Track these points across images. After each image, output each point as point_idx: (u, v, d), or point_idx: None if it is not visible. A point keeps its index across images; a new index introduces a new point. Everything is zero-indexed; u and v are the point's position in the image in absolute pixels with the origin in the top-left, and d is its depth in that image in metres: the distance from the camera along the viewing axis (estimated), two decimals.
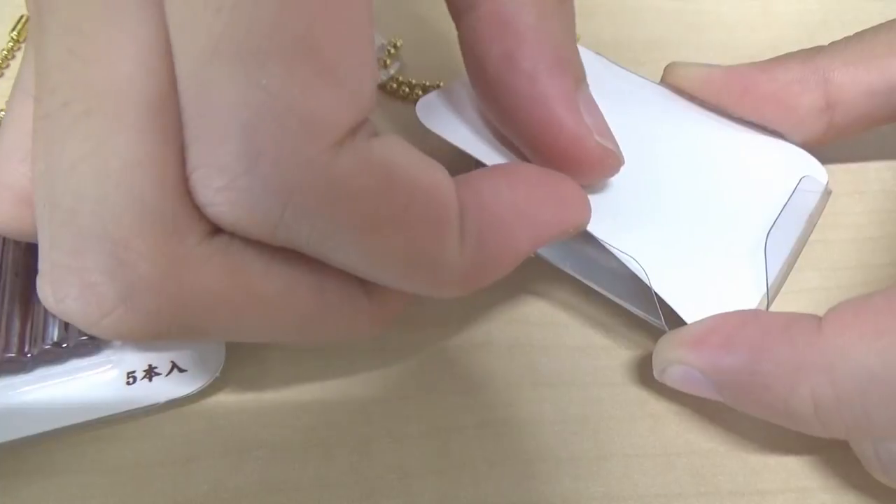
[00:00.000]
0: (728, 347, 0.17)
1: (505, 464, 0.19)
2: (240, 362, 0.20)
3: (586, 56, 0.25)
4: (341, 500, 0.18)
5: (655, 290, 0.19)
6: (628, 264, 0.19)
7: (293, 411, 0.20)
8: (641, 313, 0.20)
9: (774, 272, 0.20)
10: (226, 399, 0.20)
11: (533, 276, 0.22)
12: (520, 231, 0.17)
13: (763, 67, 0.22)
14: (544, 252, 0.21)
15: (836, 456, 0.19)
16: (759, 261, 0.20)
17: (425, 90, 0.27)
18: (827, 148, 0.24)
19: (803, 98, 0.22)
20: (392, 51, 0.28)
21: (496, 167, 0.18)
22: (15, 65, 0.29)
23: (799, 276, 0.22)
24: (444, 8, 0.19)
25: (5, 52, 0.29)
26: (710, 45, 0.30)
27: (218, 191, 0.13)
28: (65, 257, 0.13)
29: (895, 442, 0.16)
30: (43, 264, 0.14)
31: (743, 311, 0.18)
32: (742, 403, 0.18)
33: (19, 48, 0.30)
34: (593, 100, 0.19)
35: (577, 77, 0.18)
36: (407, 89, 0.27)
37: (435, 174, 0.15)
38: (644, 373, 0.20)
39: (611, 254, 0.20)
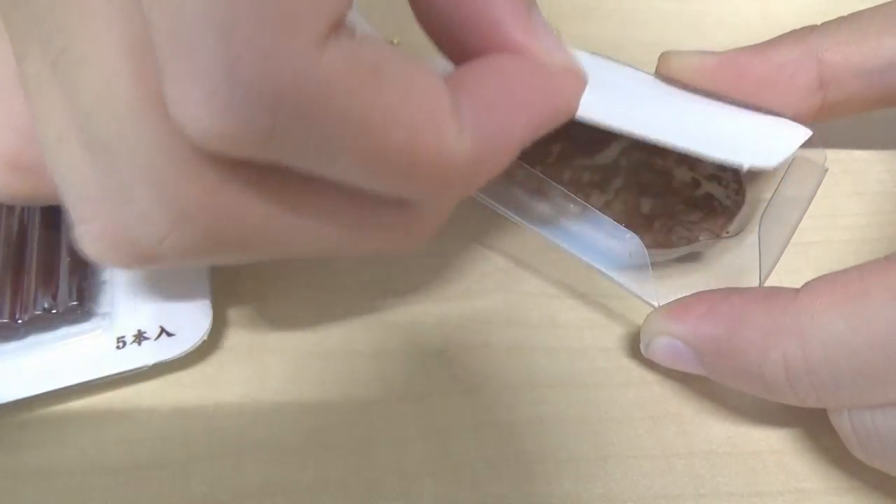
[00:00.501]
0: (709, 316, 0.18)
1: (504, 465, 0.19)
2: (239, 363, 0.20)
3: (579, 56, 0.25)
4: (341, 501, 0.18)
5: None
6: (624, 239, 0.20)
7: (292, 413, 0.20)
8: (635, 291, 0.20)
9: (771, 255, 0.20)
10: (225, 401, 0.20)
11: (532, 277, 0.22)
12: (513, 116, 0.16)
13: (756, 51, 0.23)
14: (544, 231, 0.21)
15: (836, 457, 0.19)
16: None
17: None
18: (827, 150, 0.24)
19: (797, 78, 0.22)
20: None
21: (477, 61, 0.17)
22: None
23: (798, 277, 0.22)
24: None
25: None
26: (709, 47, 0.29)
27: (198, 103, 0.12)
28: (116, 189, 0.14)
29: (867, 412, 0.16)
30: (82, 207, 0.15)
31: (726, 288, 0.19)
32: (721, 372, 0.18)
33: None
34: (547, 24, 0.18)
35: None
36: None
37: (423, 64, 0.15)
38: (643, 375, 0.20)
39: (608, 232, 0.20)
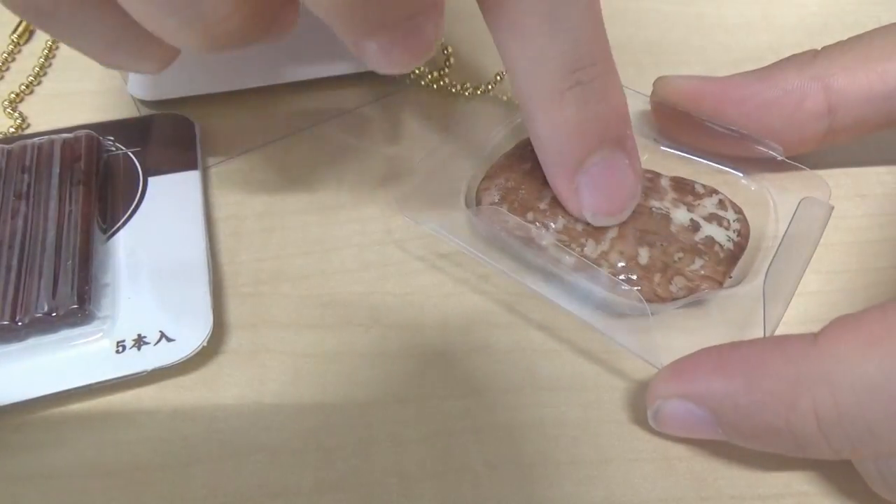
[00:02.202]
0: (721, 370, 0.17)
1: (505, 468, 0.19)
2: (239, 365, 0.20)
3: None
4: (340, 503, 0.18)
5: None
6: (623, 292, 0.19)
7: (292, 415, 0.20)
8: (637, 352, 0.19)
9: (776, 310, 0.19)
10: (225, 403, 0.20)
11: (534, 278, 0.22)
12: None
13: (760, 76, 0.22)
14: (538, 286, 0.21)
15: (839, 461, 0.18)
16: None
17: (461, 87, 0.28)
18: (828, 152, 0.24)
19: (806, 104, 0.22)
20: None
21: None
22: (16, 67, 0.29)
23: (801, 280, 0.22)
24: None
25: (5, 55, 0.29)
26: (710, 48, 0.30)
27: None
28: None
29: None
30: None
31: (732, 342, 0.18)
32: (742, 431, 0.17)
33: (20, 51, 0.30)
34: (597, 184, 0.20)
35: (579, 156, 0.20)
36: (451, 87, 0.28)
37: None
38: (644, 377, 0.20)
39: (606, 286, 0.20)
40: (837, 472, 0.18)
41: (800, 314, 0.21)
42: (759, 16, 0.31)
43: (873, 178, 0.25)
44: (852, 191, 0.25)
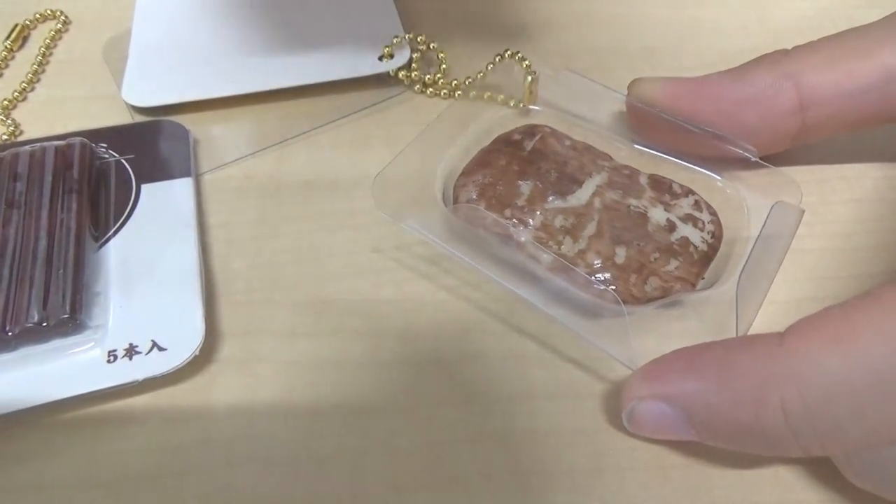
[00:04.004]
0: (692, 370, 0.17)
1: (499, 477, 0.19)
2: (231, 374, 0.20)
3: (572, 79, 0.25)
4: None
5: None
6: (599, 293, 0.19)
7: (285, 424, 0.19)
8: (612, 353, 0.19)
9: (748, 312, 0.19)
10: (217, 412, 0.20)
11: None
12: None
13: (733, 75, 0.23)
14: (513, 286, 0.20)
15: (833, 470, 0.18)
16: None
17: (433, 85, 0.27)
18: (824, 156, 0.24)
19: (779, 101, 0.22)
20: (422, 50, 0.28)
21: None
22: (9, 73, 0.29)
23: (795, 286, 0.22)
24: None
25: None
26: (706, 52, 0.29)
27: None
28: None
29: (868, 454, 0.16)
30: None
31: (702, 343, 0.18)
32: (714, 430, 0.17)
33: (13, 57, 0.30)
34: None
35: None
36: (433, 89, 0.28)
37: None
38: None
39: (582, 285, 0.20)
40: (833, 481, 0.18)
41: (794, 320, 0.21)
42: (754, 19, 0.31)
43: (869, 183, 0.25)
44: (847, 196, 0.25)
